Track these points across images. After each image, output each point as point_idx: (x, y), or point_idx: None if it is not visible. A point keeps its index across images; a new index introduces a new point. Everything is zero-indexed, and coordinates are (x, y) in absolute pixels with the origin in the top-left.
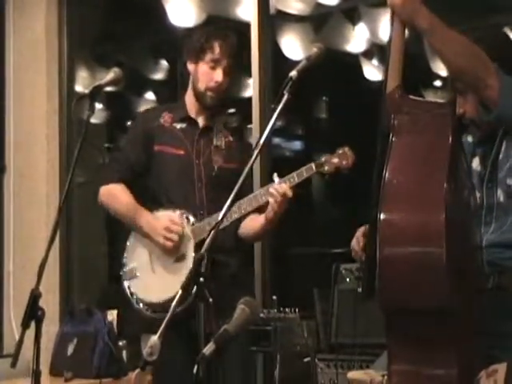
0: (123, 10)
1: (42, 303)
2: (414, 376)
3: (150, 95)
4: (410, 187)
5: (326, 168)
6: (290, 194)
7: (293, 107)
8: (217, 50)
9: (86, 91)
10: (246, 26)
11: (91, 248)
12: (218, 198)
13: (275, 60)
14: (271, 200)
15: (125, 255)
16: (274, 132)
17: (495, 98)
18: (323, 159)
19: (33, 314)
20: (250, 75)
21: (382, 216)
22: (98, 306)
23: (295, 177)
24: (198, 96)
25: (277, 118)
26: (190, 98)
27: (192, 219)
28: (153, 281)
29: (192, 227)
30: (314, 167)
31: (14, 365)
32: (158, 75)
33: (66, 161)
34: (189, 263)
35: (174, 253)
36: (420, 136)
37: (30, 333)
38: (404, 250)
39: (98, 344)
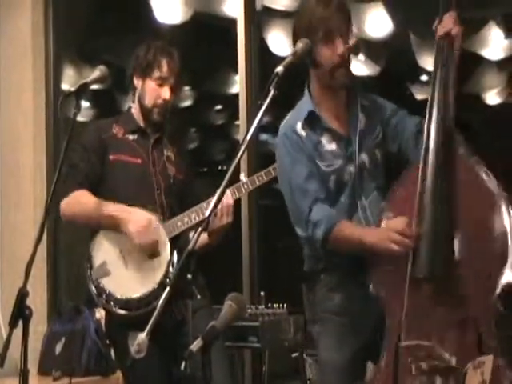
0: (109, 8)
1: (29, 302)
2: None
3: None
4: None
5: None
6: (231, 201)
7: (279, 103)
8: (164, 67)
9: (72, 89)
10: (233, 22)
11: (78, 247)
12: (174, 205)
13: (262, 56)
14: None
15: (92, 254)
16: (261, 128)
17: None
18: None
19: (20, 313)
20: (236, 72)
21: None
22: (86, 305)
23: (263, 175)
24: (145, 112)
25: (263, 114)
26: (137, 111)
27: (158, 217)
28: (127, 277)
29: (164, 224)
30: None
31: (1, 364)
32: None
33: (52, 159)
34: (163, 259)
35: (148, 249)
36: None
37: (18, 332)
38: None
39: (86, 342)
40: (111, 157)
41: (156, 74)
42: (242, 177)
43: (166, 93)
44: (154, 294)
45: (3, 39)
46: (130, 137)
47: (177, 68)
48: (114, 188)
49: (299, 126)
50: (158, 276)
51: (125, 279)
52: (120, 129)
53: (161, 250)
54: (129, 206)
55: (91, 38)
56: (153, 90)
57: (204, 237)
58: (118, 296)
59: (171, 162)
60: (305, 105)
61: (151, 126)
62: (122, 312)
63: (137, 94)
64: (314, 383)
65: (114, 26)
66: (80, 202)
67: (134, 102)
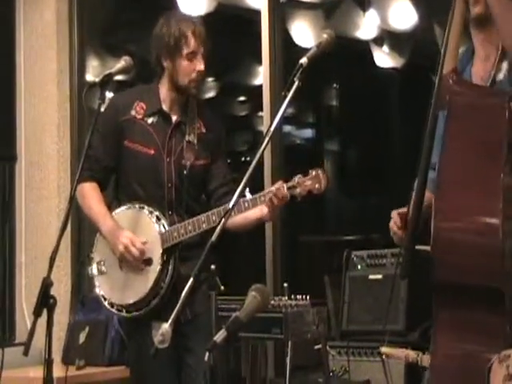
0: None
1: (53, 292)
2: (457, 355)
3: None
4: (467, 173)
5: (298, 190)
6: (287, 196)
7: (303, 94)
8: (191, 42)
9: (97, 80)
10: (257, 13)
11: None
12: (186, 197)
13: (285, 47)
14: (269, 201)
15: (94, 247)
16: (285, 120)
17: None
18: (296, 180)
19: (44, 302)
20: (260, 63)
21: (438, 201)
22: None
23: (265, 196)
24: (181, 90)
25: (287, 106)
26: (164, 90)
27: (162, 222)
28: (119, 280)
29: (161, 233)
30: (284, 188)
31: (26, 353)
32: None
33: (77, 150)
34: (155, 268)
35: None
36: (476, 121)
37: (42, 322)
38: (461, 234)
39: (109, 332)
40: (126, 143)
41: (185, 51)
42: (247, 193)
43: (199, 65)
44: (145, 301)
45: (28, 30)
46: (150, 120)
47: (203, 33)
48: (127, 174)
49: None
50: (148, 285)
51: (118, 283)
52: (141, 108)
53: (153, 258)
54: (137, 197)
55: (115, 28)
56: (185, 67)
57: (254, 212)
58: (108, 298)
59: (191, 148)
60: None
61: (178, 103)
62: (112, 310)
63: (167, 74)
64: (337, 375)
65: (138, 16)
66: (84, 198)
67: (164, 80)
